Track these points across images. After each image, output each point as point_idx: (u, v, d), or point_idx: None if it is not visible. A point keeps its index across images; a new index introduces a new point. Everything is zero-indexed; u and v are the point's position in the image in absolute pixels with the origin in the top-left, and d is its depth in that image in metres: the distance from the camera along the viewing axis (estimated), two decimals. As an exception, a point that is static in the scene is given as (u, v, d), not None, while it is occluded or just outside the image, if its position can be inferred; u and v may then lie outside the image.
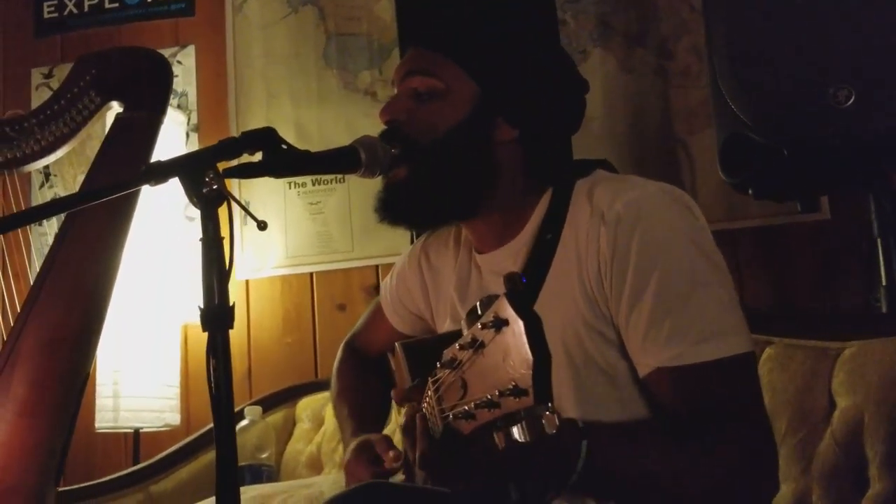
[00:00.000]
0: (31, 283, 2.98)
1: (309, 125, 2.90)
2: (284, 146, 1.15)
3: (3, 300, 3.01)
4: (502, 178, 1.21)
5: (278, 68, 2.98)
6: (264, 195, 2.94)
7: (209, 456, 2.52)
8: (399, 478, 1.26)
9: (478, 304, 0.74)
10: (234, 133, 3.00)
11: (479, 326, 0.70)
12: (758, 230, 2.36)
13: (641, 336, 1.06)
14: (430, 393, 0.84)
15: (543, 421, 0.66)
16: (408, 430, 0.92)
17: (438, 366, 0.79)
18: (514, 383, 0.67)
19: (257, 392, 2.76)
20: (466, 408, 0.74)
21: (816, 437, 1.41)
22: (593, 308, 1.09)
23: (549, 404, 0.66)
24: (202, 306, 1.11)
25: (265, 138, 1.16)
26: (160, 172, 1.06)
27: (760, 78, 1.57)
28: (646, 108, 2.58)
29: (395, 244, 2.77)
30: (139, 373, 2.58)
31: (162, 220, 2.70)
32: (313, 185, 2.87)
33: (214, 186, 1.10)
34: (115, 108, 2.01)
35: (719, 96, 1.63)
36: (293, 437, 2.56)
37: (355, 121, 2.86)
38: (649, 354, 1.06)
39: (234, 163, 1.15)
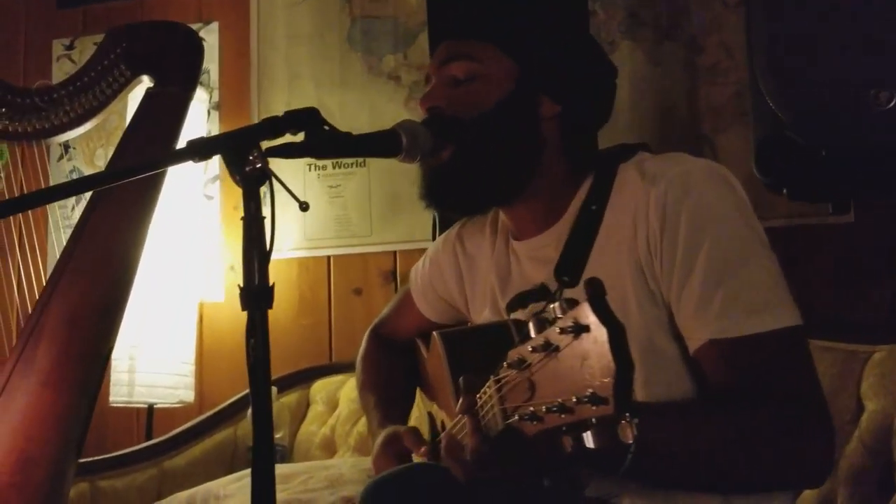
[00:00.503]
0: (49, 255, 2.99)
1: (331, 108, 2.89)
2: (326, 127, 1.15)
3: (20, 273, 3.01)
4: (546, 156, 1.21)
5: (301, 49, 2.97)
6: (284, 177, 2.90)
7: (223, 434, 2.53)
8: None
9: (554, 305, 0.72)
10: (256, 113, 2.99)
11: (558, 331, 0.69)
12: (781, 230, 2.35)
13: (693, 308, 1.05)
14: (490, 391, 0.83)
15: (621, 430, 0.65)
16: (454, 431, 0.91)
17: (504, 365, 0.78)
18: (591, 391, 0.66)
19: (272, 372, 2.75)
20: (533, 409, 0.74)
21: (843, 439, 1.40)
22: (643, 285, 1.09)
23: (628, 414, 0.65)
24: (242, 285, 1.10)
25: (308, 118, 1.15)
26: (204, 149, 1.06)
27: (800, 77, 1.56)
28: (673, 102, 2.57)
29: (413, 231, 2.76)
30: (155, 349, 2.59)
31: (181, 198, 2.70)
32: (333, 168, 2.86)
33: (258, 165, 1.09)
34: (146, 82, 2.00)
35: (758, 94, 1.62)
36: (307, 419, 2.56)
37: (379, 105, 2.85)
38: (701, 327, 1.05)
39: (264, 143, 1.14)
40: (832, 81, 1.52)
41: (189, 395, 2.70)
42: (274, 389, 2.51)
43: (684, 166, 1.12)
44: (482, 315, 1.32)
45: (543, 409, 0.72)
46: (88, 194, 1.93)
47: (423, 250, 2.80)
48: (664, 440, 0.94)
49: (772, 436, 1.01)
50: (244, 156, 1.08)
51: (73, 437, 1.70)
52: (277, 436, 2.45)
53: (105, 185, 1.21)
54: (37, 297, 2.96)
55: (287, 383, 2.60)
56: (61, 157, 3.23)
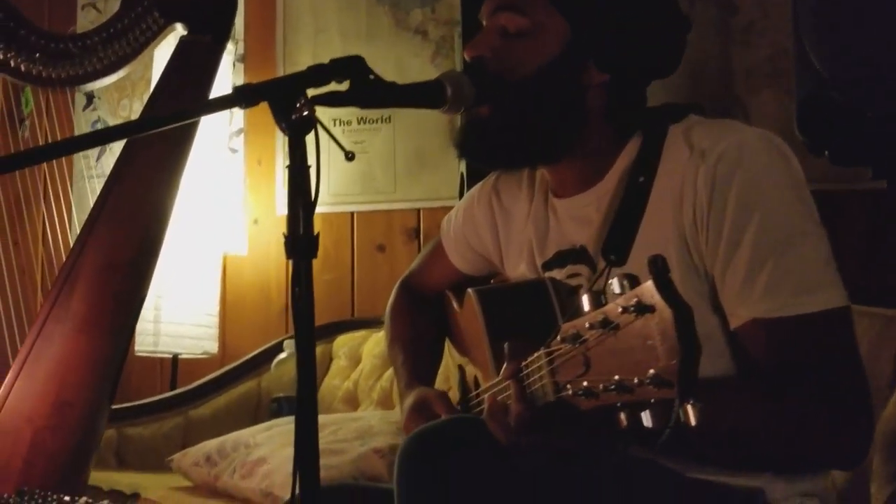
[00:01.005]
0: (73, 205, 3.00)
1: (358, 62, 2.86)
2: (372, 76, 1.13)
3: (45, 222, 3.02)
4: (588, 123, 1.17)
5: (328, 2, 2.94)
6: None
7: (247, 386, 2.56)
8: None
9: (613, 280, 0.71)
10: (281, 66, 2.97)
11: (619, 309, 0.68)
12: (816, 194, 2.32)
13: (738, 285, 1.04)
14: (540, 362, 0.82)
15: (683, 413, 0.65)
16: (497, 398, 0.90)
17: (558, 338, 0.77)
18: (653, 372, 0.65)
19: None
20: (588, 385, 0.73)
21: (880, 403, 1.40)
22: (686, 257, 1.07)
23: (692, 399, 0.65)
24: (286, 234, 1.10)
25: (354, 67, 1.13)
26: (250, 95, 1.04)
27: (847, 36, 1.52)
28: (704, 62, 2.53)
29: (438, 188, 2.75)
30: (180, 300, 2.60)
31: (205, 152, 2.69)
32: (358, 123, 2.85)
33: (304, 113, 1.08)
34: (179, 30, 1.98)
35: (801, 52, 1.59)
36: (329, 373, 2.58)
37: (405, 60, 2.82)
38: (745, 305, 1.04)
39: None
40: (880, 41, 1.49)
41: (213, 347, 2.72)
42: (298, 343, 2.53)
43: (737, 136, 1.08)
44: (517, 270, 1.30)
45: (601, 386, 0.71)
46: (119, 144, 1.93)
47: (447, 208, 2.79)
48: (707, 416, 0.94)
49: (812, 418, 1.00)
50: (291, 103, 1.07)
51: (106, 382, 1.71)
52: (301, 388, 2.47)
53: (145, 132, 1.20)
54: (61, 246, 2.99)
55: (310, 337, 2.60)
56: (86, 107, 3.23)
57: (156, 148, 1.81)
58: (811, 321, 1.01)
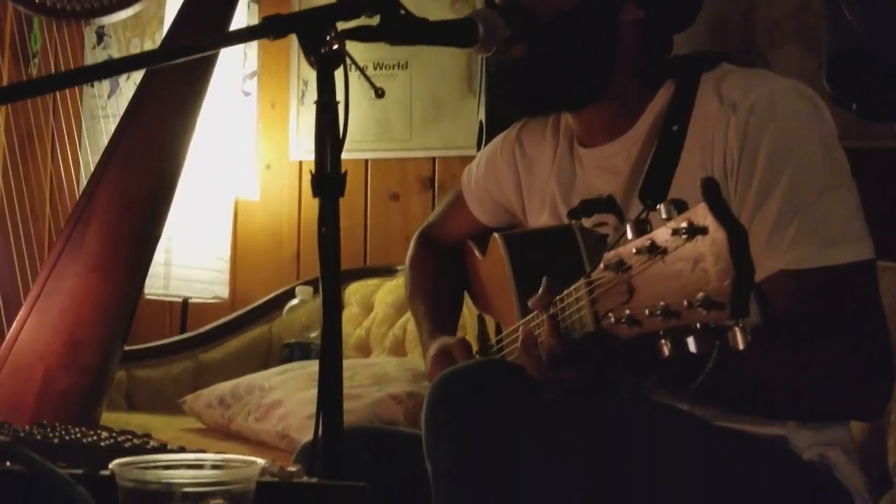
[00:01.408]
0: (82, 144, 2.97)
1: (375, 6, 2.81)
2: (402, 12, 1.10)
3: (51, 160, 3.00)
4: (622, 63, 1.15)
5: (346, -57, 2.87)
6: (323, 75, 2.88)
7: (258, 331, 2.56)
8: None
9: (660, 206, 0.69)
10: (296, 4, 2.92)
11: (670, 232, 0.66)
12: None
13: (766, 236, 1.03)
14: (579, 293, 0.81)
15: (731, 336, 0.64)
16: (531, 331, 0.88)
17: (601, 267, 0.75)
18: (702, 294, 0.64)
19: (305, 274, 2.76)
20: (631, 312, 0.72)
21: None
22: None
23: (743, 321, 0.63)
24: (314, 172, 1.08)
25: (385, 1, 1.10)
26: (280, 26, 1.02)
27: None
28: (727, 15, 2.48)
29: (454, 137, 2.72)
30: (191, 244, 2.59)
31: (219, 94, 2.65)
32: (375, 69, 2.80)
33: (335, 47, 1.05)
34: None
35: (834, 7, 1.55)
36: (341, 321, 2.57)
37: (423, 4, 2.76)
38: (772, 256, 1.03)
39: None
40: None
41: (224, 291, 2.71)
42: (310, 289, 2.52)
43: (769, 87, 1.07)
44: (539, 220, 1.28)
45: (646, 312, 0.70)
46: (131, 84, 1.90)
47: (464, 158, 2.80)
48: (738, 361, 0.93)
49: (838, 368, 1.01)
50: (321, 36, 1.04)
51: (120, 321, 1.70)
52: (312, 335, 2.47)
53: (163, 63, 1.17)
54: (75, 184, 2.97)
55: (322, 284, 2.59)
56: (95, 46, 3.18)
57: (173, 86, 1.77)
58: (838, 273, 1.01)
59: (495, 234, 1.24)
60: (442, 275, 1.49)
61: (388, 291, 2.49)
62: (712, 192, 0.66)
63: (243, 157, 2.81)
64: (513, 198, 1.36)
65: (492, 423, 0.88)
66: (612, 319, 0.75)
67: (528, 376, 0.92)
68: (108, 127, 2.95)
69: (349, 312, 2.57)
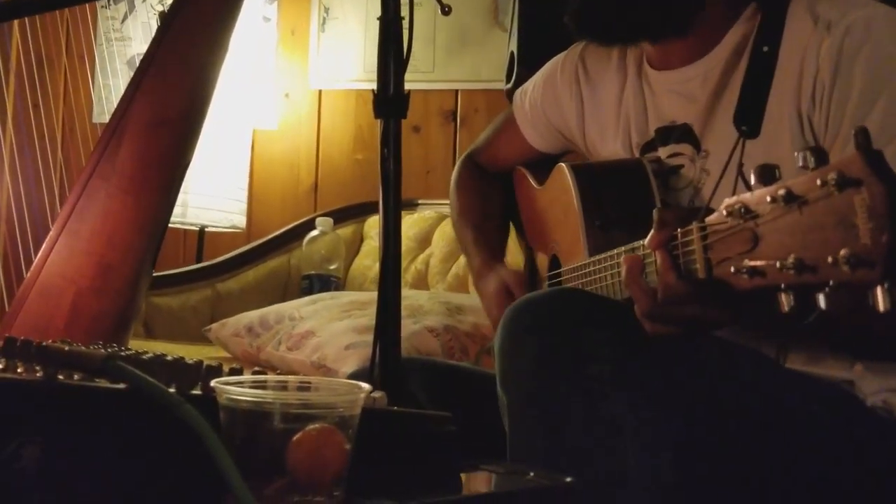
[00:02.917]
0: (97, 66, 2.89)
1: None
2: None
3: (66, 82, 2.92)
4: None
5: None
6: (345, 2, 2.80)
7: (277, 262, 2.53)
8: None
9: (798, 154, 0.64)
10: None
11: (818, 182, 0.61)
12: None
13: None
14: (692, 235, 0.77)
15: (873, 296, 0.59)
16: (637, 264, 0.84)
17: (723, 213, 0.71)
18: (848, 251, 0.59)
19: (322, 206, 2.72)
20: (753, 264, 0.68)
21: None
22: (800, 135, 1.01)
23: (890, 281, 0.59)
24: (376, 91, 1.04)
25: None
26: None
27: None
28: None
29: (478, 69, 2.65)
30: (210, 172, 2.54)
31: (238, 20, 2.57)
32: (398, -4, 2.72)
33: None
34: None
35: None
36: (360, 253, 2.55)
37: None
38: None
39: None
40: None
41: (241, 221, 2.68)
42: (330, 221, 2.49)
43: (866, 10, 1.01)
44: (606, 147, 1.23)
45: (776, 265, 0.65)
46: (150, 4, 1.82)
47: (488, 92, 2.75)
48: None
49: None
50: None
51: (151, 245, 1.66)
52: (332, 267, 2.44)
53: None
54: (83, 106, 2.90)
55: (341, 216, 2.56)
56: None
57: (203, 6, 1.70)
58: None
59: (561, 164, 1.20)
60: (490, 199, 1.45)
61: (410, 225, 2.46)
62: (867, 143, 0.61)
63: (262, 86, 2.74)
64: (573, 121, 1.30)
65: (573, 352, 0.85)
66: (731, 269, 0.70)
67: (633, 311, 0.87)
68: (122, 50, 2.88)
69: (369, 245, 2.54)
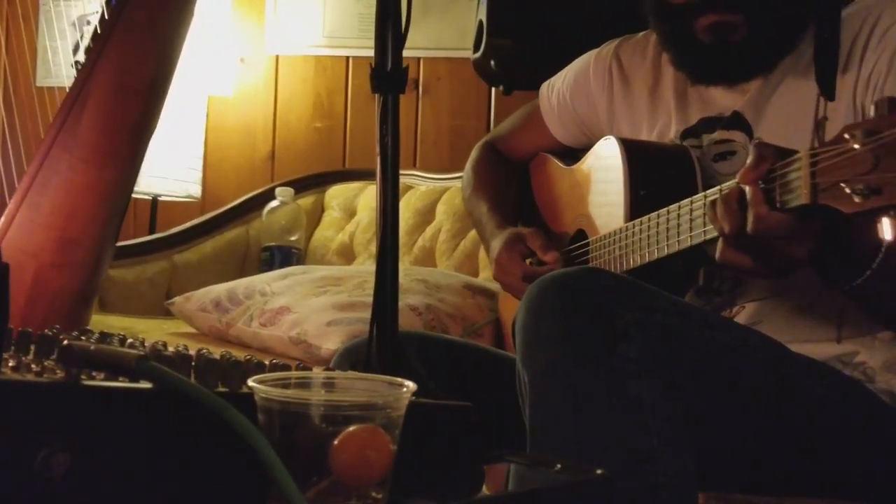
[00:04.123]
0: (40, 29, 2.76)
1: None
2: None
3: (1, 46, 2.78)
4: None
5: None
6: (303, -35, 2.73)
7: (235, 232, 2.47)
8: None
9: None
10: None
11: None
12: None
13: None
14: (798, 164, 0.77)
15: None
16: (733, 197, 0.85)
17: (845, 136, 0.72)
18: None
19: (280, 175, 2.66)
20: (871, 179, 0.69)
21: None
22: (851, 119, 1.02)
23: None
24: (373, 66, 1.01)
25: None
26: None
27: None
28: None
29: (441, 37, 2.61)
30: (164, 140, 2.44)
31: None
32: (359, -39, 2.65)
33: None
34: None
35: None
36: (321, 224, 2.50)
37: None
38: None
39: None
40: None
41: (197, 191, 2.60)
42: (290, 190, 2.43)
43: None
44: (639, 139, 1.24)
45: None
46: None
47: (450, 59, 2.71)
48: None
49: None
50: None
51: (115, 218, 1.60)
52: (293, 238, 2.39)
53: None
54: (28, 69, 2.76)
55: (301, 186, 2.51)
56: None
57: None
58: None
59: (610, 136, 1.21)
60: (507, 184, 1.47)
61: (373, 196, 2.41)
62: None
63: (216, 50, 2.65)
64: (603, 115, 1.32)
65: (601, 332, 0.84)
66: (846, 189, 0.72)
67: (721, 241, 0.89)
68: (68, 11, 2.75)
69: (330, 216, 2.50)
